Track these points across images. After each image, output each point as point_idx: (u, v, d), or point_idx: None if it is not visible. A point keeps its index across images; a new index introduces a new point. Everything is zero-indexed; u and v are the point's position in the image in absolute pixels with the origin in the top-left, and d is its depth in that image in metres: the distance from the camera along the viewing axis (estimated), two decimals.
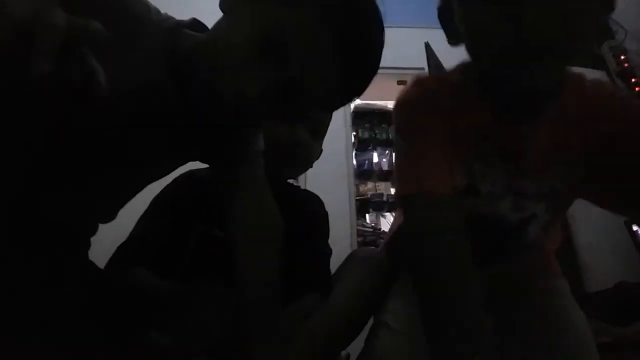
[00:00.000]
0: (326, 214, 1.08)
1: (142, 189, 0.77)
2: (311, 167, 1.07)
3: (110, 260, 0.85)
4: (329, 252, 1.01)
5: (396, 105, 0.78)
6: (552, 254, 1.00)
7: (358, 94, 0.69)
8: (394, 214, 3.51)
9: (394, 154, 0.82)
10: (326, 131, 1.06)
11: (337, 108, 0.73)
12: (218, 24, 0.65)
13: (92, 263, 0.76)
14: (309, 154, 1.02)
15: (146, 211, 0.95)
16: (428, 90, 0.77)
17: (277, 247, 0.75)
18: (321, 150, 1.09)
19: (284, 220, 0.79)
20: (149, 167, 0.73)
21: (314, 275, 0.92)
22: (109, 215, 0.76)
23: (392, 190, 3.58)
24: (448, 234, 0.67)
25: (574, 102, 0.72)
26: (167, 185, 0.99)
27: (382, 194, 3.40)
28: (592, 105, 0.72)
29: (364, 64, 0.65)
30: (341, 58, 0.60)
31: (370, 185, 3.52)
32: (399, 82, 3.10)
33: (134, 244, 0.88)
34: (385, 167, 3.44)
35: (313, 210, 1.07)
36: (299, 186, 1.16)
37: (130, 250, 0.86)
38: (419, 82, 0.79)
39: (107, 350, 0.61)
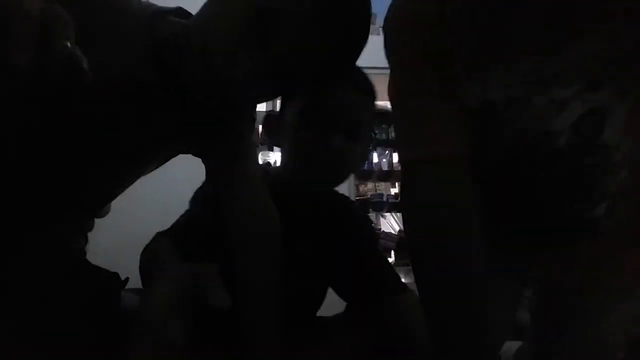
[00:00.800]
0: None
1: (133, 180, 0.76)
2: (356, 172, 0.96)
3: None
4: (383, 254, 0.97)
5: (389, 25, 0.64)
6: None
7: (351, 63, 0.69)
8: (394, 214, 3.51)
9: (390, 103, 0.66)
10: (367, 130, 0.89)
11: (330, 80, 0.72)
12: (204, 8, 0.65)
13: (89, 262, 0.75)
14: (346, 161, 0.84)
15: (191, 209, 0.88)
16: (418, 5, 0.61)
17: (276, 248, 0.74)
18: (366, 153, 0.94)
19: (336, 232, 0.78)
20: (138, 158, 0.73)
21: (387, 277, 0.88)
22: (102, 208, 0.75)
23: (392, 190, 3.58)
24: (456, 222, 0.58)
25: None
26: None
27: (382, 194, 3.40)
28: None
29: (354, 34, 0.65)
30: (331, 29, 0.60)
31: (370, 185, 3.52)
32: None
33: (182, 229, 0.82)
34: (385, 167, 3.44)
35: (360, 216, 1.02)
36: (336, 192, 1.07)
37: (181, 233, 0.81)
38: None
39: (100, 350, 0.61)
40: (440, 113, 0.59)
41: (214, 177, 0.79)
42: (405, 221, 0.66)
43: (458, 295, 0.59)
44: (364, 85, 0.84)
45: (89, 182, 0.68)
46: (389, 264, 0.93)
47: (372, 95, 0.86)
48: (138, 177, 0.76)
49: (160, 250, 0.73)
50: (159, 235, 0.78)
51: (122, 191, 0.76)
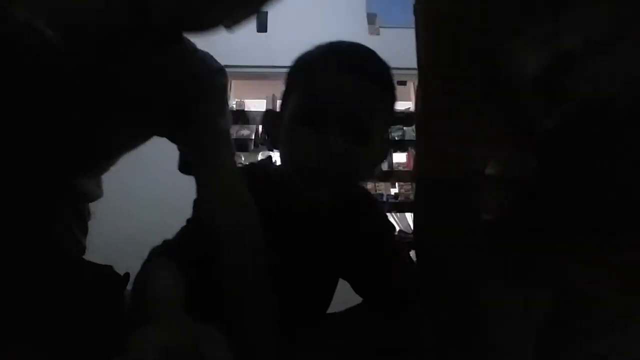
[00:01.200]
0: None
1: (114, 156, 0.75)
2: (369, 176, 0.88)
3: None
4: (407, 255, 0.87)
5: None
6: None
7: None
8: (393, 214, 3.51)
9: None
10: (379, 128, 0.75)
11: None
12: None
13: (88, 261, 0.75)
14: (349, 165, 0.71)
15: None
16: None
17: (253, 243, 0.70)
18: (381, 155, 0.81)
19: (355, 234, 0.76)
20: (114, 124, 0.71)
21: (392, 285, 0.79)
22: (93, 190, 0.74)
23: (392, 190, 3.58)
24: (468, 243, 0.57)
25: None
26: None
27: (382, 194, 3.40)
28: None
29: None
30: None
31: (370, 185, 3.52)
32: (399, 83, 3.09)
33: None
34: (385, 167, 3.44)
35: (381, 214, 0.93)
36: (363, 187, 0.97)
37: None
38: None
39: (100, 350, 0.61)
40: (458, 126, 0.55)
41: (186, 166, 0.77)
42: (414, 227, 0.67)
43: (460, 297, 0.59)
44: (377, 75, 0.74)
45: (76, 157, 0.67)
46: (404, 267, 0.81)
47: (386, 86, 0.75)
48: (119, 149, 0.75)
49: (154, 278, 0.66)
50: (155, 255, 0.72)
51: (108, 167, 0.75)
